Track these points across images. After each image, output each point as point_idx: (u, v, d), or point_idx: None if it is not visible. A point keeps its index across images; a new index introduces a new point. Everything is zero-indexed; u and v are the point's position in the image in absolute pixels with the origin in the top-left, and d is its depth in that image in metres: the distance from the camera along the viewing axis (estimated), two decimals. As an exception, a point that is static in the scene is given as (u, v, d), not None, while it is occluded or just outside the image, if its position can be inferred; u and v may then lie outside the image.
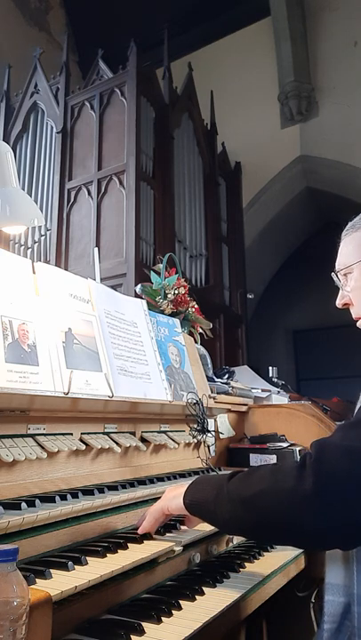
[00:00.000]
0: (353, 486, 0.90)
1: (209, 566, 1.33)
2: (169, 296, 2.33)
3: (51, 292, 1.44)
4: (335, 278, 1.24)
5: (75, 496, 1.15)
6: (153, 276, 2.42)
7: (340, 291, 1.24)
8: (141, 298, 2.14)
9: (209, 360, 2.40)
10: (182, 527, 1.31)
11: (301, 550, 1.51)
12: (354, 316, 1.23)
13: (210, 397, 2.00)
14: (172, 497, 1.20)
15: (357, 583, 1.04)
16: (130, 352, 1.66)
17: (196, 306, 2.42)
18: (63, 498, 1.12)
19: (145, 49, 6.28)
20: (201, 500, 1.13)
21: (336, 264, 1.25)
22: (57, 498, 1.11)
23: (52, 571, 0.91)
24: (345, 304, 1.24)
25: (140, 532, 1.20)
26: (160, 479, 1.49)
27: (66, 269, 2.00)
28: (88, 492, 1.21)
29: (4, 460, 1.11)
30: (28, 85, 6.84)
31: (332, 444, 0.97)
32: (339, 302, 1.25)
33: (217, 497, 1.09)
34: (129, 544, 1.13)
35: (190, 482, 1.20)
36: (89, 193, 6.06)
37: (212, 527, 1.32)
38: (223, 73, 8.12)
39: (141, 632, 0.92)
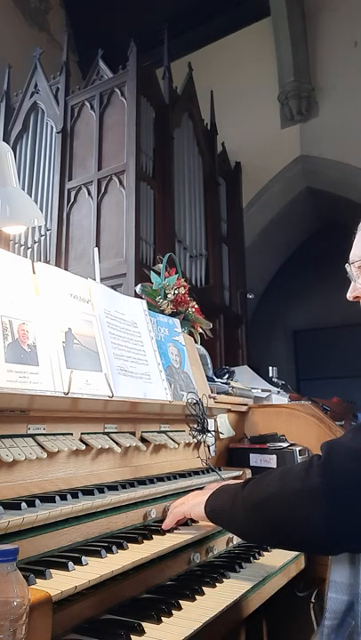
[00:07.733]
0: (359, 488, 0.90)
1: (209, 566, 1.33)
2: (169, 296, 2.32)
3: (51, 292, 1.44)
4: (348, 270, 1.18)
5: (75, 496, 1.15)
6: (153, 275, 2.42)
7: (353, 283, 1.17)
8: (141, 298, 2.14)
9: (209, 360, 2.39)
10: (182, 527, 1.32)
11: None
12: None
13: (210, 397, 2.00)
14: (195, 504, 1.25)
15: None
16: (130, 352, 1.66)
17: (196, 306, 2.42)
18: (63, 498, 1.12)
19: (145, 49, 6.27)
20: (219, 508, 1.18)
21: (351, 255, 1.17)
22: (57, 498, 1.11)
23: (52, 571, 0.91)
24: (356, 297, 1.17)
25: (164, 527, 1.28)
26: (160, 479, 1.49)
27: (66, 269, 2.00)
28: (88, 492, 1.21)
29: (4, 460, 1.11)
30: (28, 85, 6.84)
31: (342, 446, 0.97)
32: (350, 295, 1.18)
33: (233, 505, 1.12)
34: (129, 544, 1.13)
35: (212, 490, 1.24)
36: (89, 193, 6.05)
37: (212, 527, 1.33)
38: (223, 73, 8.11)
39: (141, 632, 0.93)
